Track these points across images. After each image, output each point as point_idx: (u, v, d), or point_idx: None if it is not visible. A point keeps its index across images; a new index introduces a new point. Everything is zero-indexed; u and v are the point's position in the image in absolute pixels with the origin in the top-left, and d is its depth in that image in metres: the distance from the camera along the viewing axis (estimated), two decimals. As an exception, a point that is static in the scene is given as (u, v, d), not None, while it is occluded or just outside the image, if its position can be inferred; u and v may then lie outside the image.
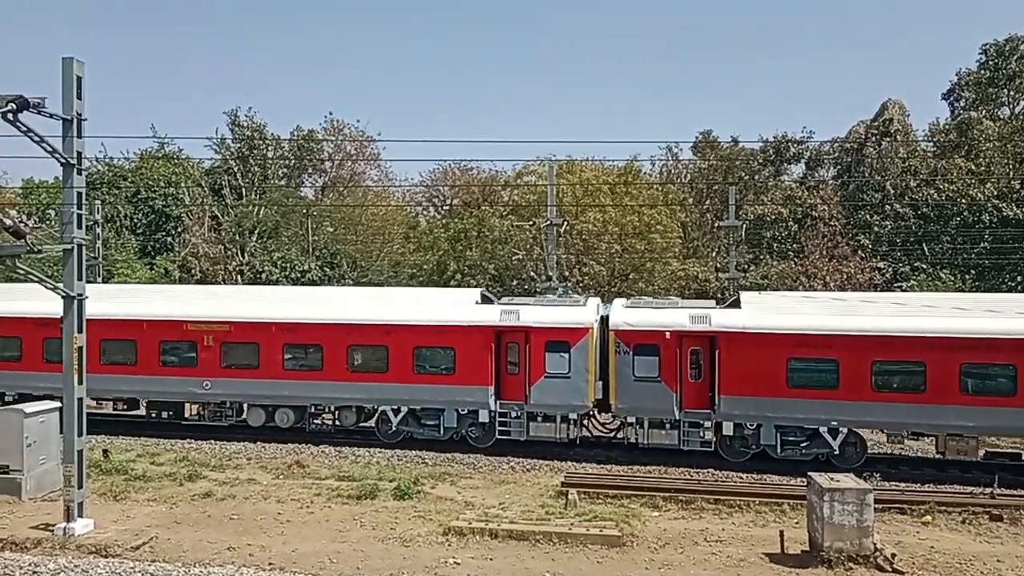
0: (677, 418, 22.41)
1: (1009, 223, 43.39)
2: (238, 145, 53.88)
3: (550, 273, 35.05)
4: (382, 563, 14.31)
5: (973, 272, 43.29)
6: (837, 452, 21.59)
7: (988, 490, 18.48)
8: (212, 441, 24.33)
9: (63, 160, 15.08)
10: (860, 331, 21.19)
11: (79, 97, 15.01)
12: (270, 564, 14.20)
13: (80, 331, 15.54)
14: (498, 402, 23.41)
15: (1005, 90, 49.99)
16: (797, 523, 16.36)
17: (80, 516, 15.62)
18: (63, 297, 15.44)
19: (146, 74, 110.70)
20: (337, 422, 25.01)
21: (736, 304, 23.54)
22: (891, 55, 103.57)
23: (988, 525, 16.77)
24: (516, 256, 43.70)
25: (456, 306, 24.23)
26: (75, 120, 14.99)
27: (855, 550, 14.12)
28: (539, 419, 23.21)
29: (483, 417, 23.39)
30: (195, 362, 24.76)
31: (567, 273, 41.74)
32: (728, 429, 22.05)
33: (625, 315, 22.94)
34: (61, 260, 15.72)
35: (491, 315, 23.58)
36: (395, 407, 24.01)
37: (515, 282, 41.48)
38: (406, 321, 23.74)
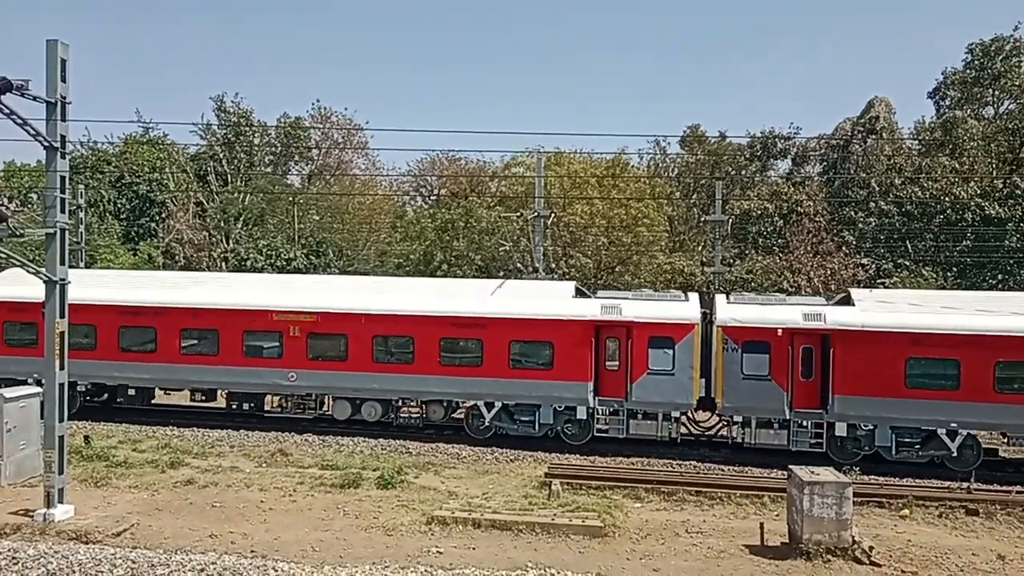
0: (787, 417, 21.86)
1: (991, 221, 43.80)
2: (224, 131, 53.43)
3: (536, 264, 35.06)
4: (365, 552, 14.34)
5: (955, 269, 43.73)
6: (955, 455, 21.08)
7: (965, 485, 18.72)
8: (195, 428, 24.24)
9: (46, 143, 14.93)
10: (984, 330, 20.66)
11: (63, 80, 14.87)
12: (252, 551, 14.19)
13: (62, 316, 15.40)
14: (596, 399, 22.88)
15: (990, 90, 50.32)
16: (777, 515, 16.54)
17: (60, 502, 15.55)
18: (45, 282, 15.30)
19: (131, 58, 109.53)
20: (424, 416, 24.33)
21: (847, 301, 22.97)
22: (878, 53, 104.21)
23: (964, 519, 17.02)
24: (503, 247, 43.67)
25: (554, 300, 23.67)
26: (59, 103, 14.84)
27: (833, 543, 14.31)
28: (639, 416, 22.65)
29: (581, 414, 22.80)
30: (280, 353, 24.08)
31: (553, 265, 41.77)
32: (841, 430, 21.49)
33: (734, 311, 22.40)
34: (43, 244, 15.58)
35: (591, 309, 22.96)
36: (488, 402, 23.37)
37: (501, 273, 41.40)
38: (502, 314, 23.12)
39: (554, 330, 22.80)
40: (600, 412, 22.93)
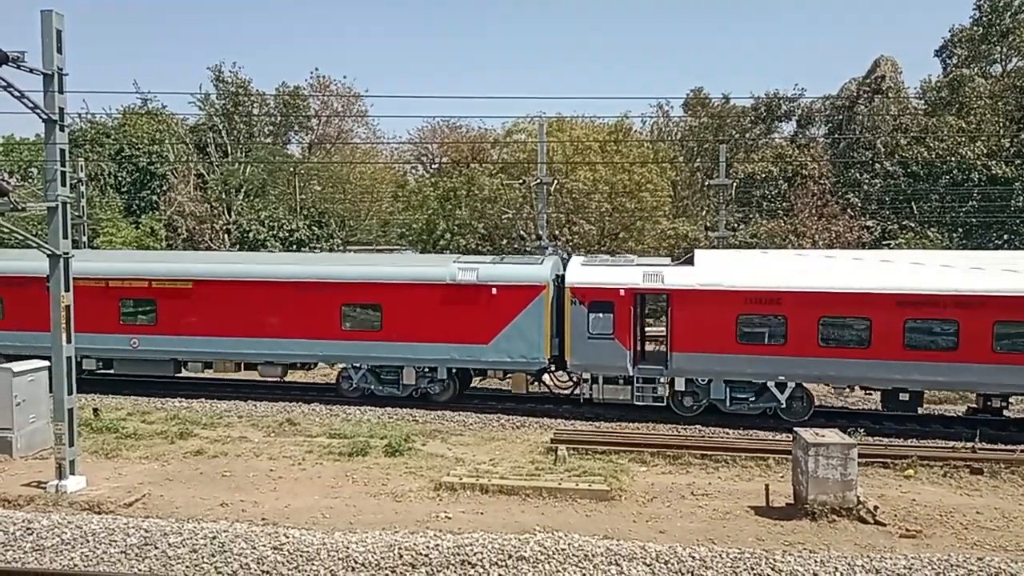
0: None
1: (997, 181, 43.45)
2: (223, 102, 52.99)
3: (540, 232, 34.94)
4: (374, 518, 14.50)
5: (961, 230, 43.50)
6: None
7: (969, 444, 18.80)
8: (203, 399, 24.42)
9: (45, 116, 14.81)
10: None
11: (59, 51, 14.69)
12: (263, 519, 14.36)
13: (68, 290, 15.39)
14: None
15: (998, 47, 49.63)
16: (782, 477, 16.66)
17: (72, 473, 15.72)
18: (48, 256, 15.28)
19: (128, 29, 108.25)
20: None
21: None
22: (885, 10, 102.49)
23: (968, 479, 17.11)
24: (506, 215, 43.49)
25: None
26: (56, 75, 14.69)
27: (838, 503, 14.42)
28: None
29: None
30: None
31: (556, 232, 41.62)
32: None
33: None
34: (45, 219, 15.54)
35: None
36: None
37: (504, 241, 41.31)
38: None
39: None
40: None
